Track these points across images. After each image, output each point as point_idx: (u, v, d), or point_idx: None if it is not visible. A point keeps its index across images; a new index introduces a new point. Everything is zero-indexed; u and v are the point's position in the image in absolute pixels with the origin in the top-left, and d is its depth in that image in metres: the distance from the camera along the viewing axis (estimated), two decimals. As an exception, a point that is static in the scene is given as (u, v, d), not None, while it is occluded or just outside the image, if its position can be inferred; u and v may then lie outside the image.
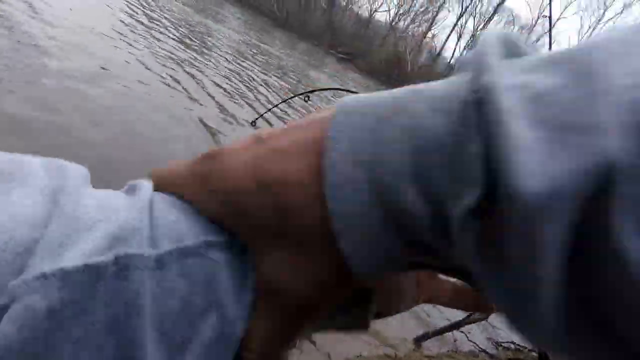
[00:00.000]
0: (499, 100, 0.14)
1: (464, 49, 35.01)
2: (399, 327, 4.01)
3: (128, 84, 4.02)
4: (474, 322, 3.54)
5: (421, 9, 33.56)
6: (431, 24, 33.72)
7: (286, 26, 27.93)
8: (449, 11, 33.51)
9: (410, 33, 34.11)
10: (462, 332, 3.81)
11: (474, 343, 3.70)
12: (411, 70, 30.41)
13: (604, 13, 31.33)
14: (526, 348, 4.05)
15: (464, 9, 32.69)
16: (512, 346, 3.95)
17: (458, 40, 34.91)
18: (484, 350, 3.85)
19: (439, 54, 35.00)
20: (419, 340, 3.52)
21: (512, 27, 34.40)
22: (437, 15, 33.42)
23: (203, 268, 0.17)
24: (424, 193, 0.16)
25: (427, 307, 4.96)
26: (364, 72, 29.02)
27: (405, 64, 30.37)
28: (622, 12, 30.56)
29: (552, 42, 2.64)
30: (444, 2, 32.81)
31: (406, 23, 34.06)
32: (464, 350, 3.66)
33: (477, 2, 33.07)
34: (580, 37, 32.66)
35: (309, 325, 0.20)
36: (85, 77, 3.62)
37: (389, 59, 30.35)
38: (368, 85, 26.26)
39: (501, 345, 4.06)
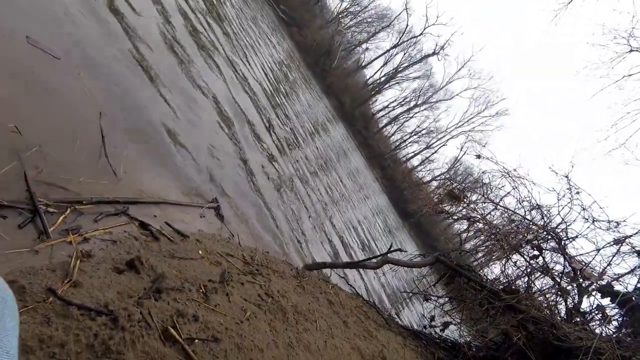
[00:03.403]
0: None
1: (384, 75, 38.13)
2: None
3: None
4: (367, 268, 3.64)
5: (369, 19, 34.85)
6: (370, 37, 35.43)
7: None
8: (388, 36, 35.85)
9: (349, 34, 35.02)
10: (343, 277, 3.86)
11: (352, 287, 3.81)
12: (336, 66, 31.19)
13: (484, 109, 39.20)
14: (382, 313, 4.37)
15: (399, 41, 35.56)
16: (360, 298, 4.22)
17: (383, 65, 37.74)
18: (358, 294, 3.99)
19: (364, 67, 37.09)
20: (310, 268, 3.39)
21: (426, 80, 39.40)
22: (378, 32, 35.32)
23: None
24: None
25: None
26: (296, 43, 28.18)
27: (334, 58, 30.96)
28: (495, 114, 38.92)
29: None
30: (388, 25, 34.91)
31: (350, 22, 34.80)
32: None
33: (411, 45, 36.49)
34: (462, 116, 39.94)
35: None
36: None
37: (323, 44, 30.34)
38: (296, 58, 25.53)
39: (362, 297, 4.26)
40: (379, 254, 4.13)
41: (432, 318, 4.86)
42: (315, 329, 2.31)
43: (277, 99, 9.57)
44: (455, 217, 4.54)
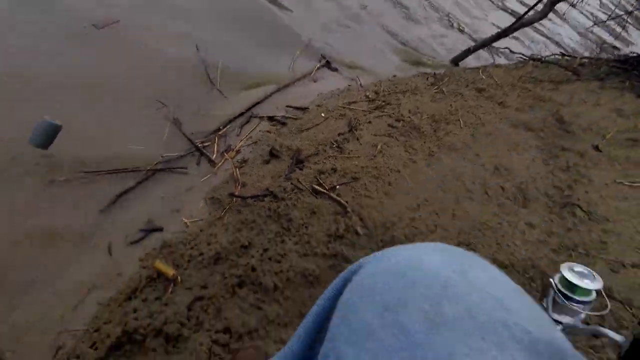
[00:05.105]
0: None
1: None
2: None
3: None
4: (531, 23, 2.95)
5: None
6: None
7: None
8: None
9: None
10: (506, 48, 3.27)
11: (521, 54, 3.19)
12: None
13: None
14: (578, 57, 3.26)
15: None
16: (561, 57, 3.40)
17: None
18: (531, 58, 3.31)
19: None
20: (456, 61, 3.13)
21: None
22: None
23: None
24: None
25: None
26: None
27: None
28: None
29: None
30: None
31: None
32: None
33: None
34: None
35: None
36: None
37: None
38: None
39: (531, 58, 3.48)
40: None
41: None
42: (458, 128, 2.24)
43: None
44: None
